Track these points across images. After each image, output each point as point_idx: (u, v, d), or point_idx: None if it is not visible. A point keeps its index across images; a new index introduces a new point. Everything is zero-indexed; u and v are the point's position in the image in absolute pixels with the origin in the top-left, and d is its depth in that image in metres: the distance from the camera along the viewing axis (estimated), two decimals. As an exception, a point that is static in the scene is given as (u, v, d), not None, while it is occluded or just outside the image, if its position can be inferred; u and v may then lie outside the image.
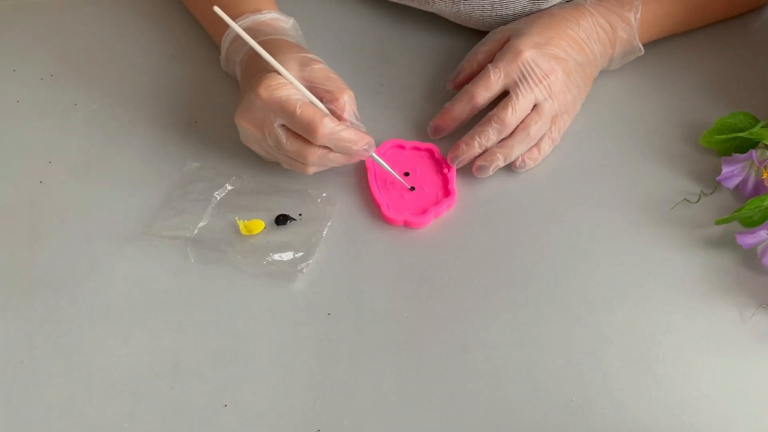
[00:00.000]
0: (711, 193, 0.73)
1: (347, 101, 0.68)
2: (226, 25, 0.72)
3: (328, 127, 0.66)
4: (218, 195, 0.73)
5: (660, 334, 0.65)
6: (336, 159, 0.69)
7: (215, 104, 0.78)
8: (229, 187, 0.73)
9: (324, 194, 0.72)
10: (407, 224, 0.71)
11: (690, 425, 0.61)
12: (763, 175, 0.70)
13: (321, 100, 0.68)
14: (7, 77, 0.80)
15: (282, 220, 0.71)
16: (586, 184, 0.74)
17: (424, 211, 0.71)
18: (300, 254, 0.69)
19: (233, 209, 0.72)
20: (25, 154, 0.75)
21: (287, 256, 0.69)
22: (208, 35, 0.82)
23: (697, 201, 0.72)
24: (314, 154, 0.67)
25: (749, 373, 0.64)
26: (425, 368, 0.64)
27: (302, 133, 0.66)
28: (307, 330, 0.66)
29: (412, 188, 0.72)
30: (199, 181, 0.73)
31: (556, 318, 0.66)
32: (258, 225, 0.70)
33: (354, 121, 0.69)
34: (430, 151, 0.75)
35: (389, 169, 0.72)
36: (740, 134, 0.73)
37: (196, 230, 0.71)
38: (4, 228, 0.70)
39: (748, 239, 0.67)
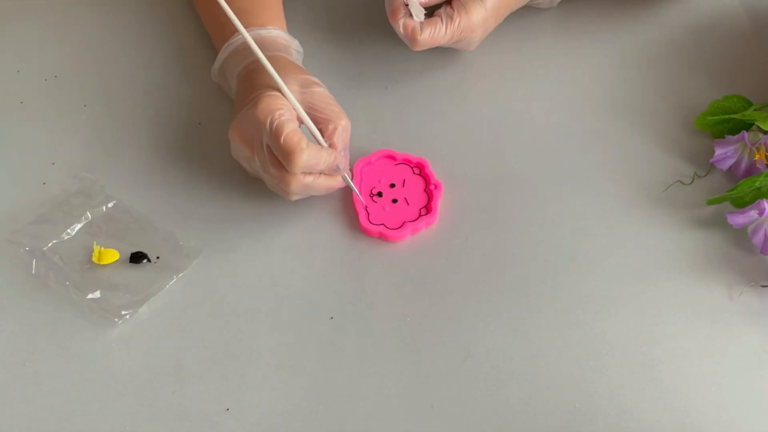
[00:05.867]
0: (705, 176, 0.73)
1: (341, 130, 0.67)
2: (230, 33, 0.69)
3: (304, 158, 0.63)
4: (90, 214, 0.69)
5: (655, 314, 0.66)
6: (317, 188, 0.67)
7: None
8: (105, 210, 0.70)
9: (192, 243, 0.69)
10: (382, 236, 0.70)
11: (683, 408, 0.62)
12: (755, 157, 0.71)
13: (316, 125, 0.67)
14: (11, 78, 0.81)
15: (136, 257, 0.67)
16: (579, 168, 0.74)
17: (402, 226, 0.70)
18: (130, 300, 0.65)
19: (100, 233, 0.68)
20: (28, 156, 0.75)
21: (115, 298, 0.65)
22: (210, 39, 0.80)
23: (691, 183, 0.73)
24: (293, 183, 0.65)
25: (736, 349, 0.65)
26: (428, 372, 0.63)
27: (282, 160, 0.64)
28: (310, 334, 0.65)
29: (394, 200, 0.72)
30: (82, 195, 0.71)
31: (556, 317, 0.66)
32: (111, 255, 0.67)
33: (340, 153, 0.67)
34: (421, 166, 0.73)
35: (357, 192, 0.70)
36: (733, 116, 0.74)
37: (50, 244, 0.68)
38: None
39: (738, 219, 0.67)
